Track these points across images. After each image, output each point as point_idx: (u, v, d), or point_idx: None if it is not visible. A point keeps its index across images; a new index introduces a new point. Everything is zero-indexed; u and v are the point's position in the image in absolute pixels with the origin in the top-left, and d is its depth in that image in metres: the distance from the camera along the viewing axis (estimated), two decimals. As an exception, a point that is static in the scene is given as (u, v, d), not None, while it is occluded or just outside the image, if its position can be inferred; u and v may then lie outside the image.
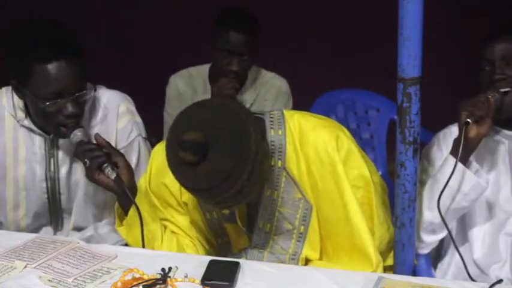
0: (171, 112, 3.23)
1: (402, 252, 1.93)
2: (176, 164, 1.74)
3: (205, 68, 3.27)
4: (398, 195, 1.90)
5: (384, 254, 1.99)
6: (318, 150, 1.92)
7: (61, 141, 2.28)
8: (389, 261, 2.00)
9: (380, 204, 2.00)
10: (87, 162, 2.06)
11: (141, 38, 4.46)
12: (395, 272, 1.94)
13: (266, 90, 3.24)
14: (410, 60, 1.82)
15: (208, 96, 3.03)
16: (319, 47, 4.30)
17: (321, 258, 2.01)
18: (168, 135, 1.79)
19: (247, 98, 3.17)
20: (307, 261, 2.02)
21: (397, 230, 1.93)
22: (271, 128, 1.94)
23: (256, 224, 2.00)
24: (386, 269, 1.98)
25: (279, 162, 1.94)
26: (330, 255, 2.00)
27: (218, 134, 1.68)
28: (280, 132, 1.94)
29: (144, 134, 2.41)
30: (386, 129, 3.19)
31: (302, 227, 1.98)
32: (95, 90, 2.26)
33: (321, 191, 1.94)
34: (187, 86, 3.24)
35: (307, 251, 1.99)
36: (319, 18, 4.28)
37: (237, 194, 1.72)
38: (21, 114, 2.27)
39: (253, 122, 1.76)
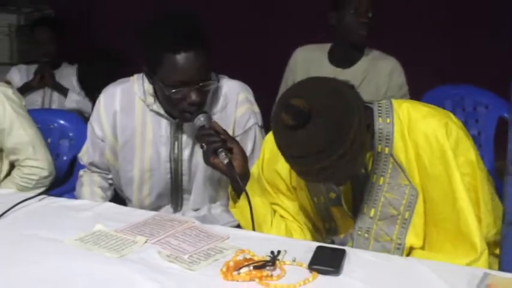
0: (284, 88, 3.24)
1: (510, 250, 1.77)
2: (277, 124, 1.71)
3: (327, 46, 3.27)
4: (508, 194, 1.74)
5: (490, 245, 1.84)
6: (427, 137, 1.82)
7: (185, 125, 2.25)
8: (498, 251, 1.84)
9: (487, 192, 1.86)
10: (204, 146, 2.05)
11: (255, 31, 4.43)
12: (501, 270, 1.77)
13: (378, 67, 3.18)
14: (526, 58, 1.66)
15: (321, 72, 2.97)
16: (432, 41, 4.12)
17: (423, 247, 1.88)
18: (279, 97, 1.75)
19: (359, 69, 3.15)
20: (410, 250, 1.89)
21: (505, 228, 1.76)
22: (379, 116, 1.86)
23: (361, 208, 1.90)
24: (494, 256, 1.83)
25: (386, 149, 1.85)
26: (433, 243, 1.86)
27: (324, 110, 1.63)
28: (388, 120, 1.85)
29: (260, 123, 2.36)
30: (495, 126, 2.97)
31: (407, 213, 1.86)
32: (218, 81, 2.23)
33: (430, 175, 1.82)
34: (305, 59, 3.26)
35: (410, 238, 1.87)
36: (436, 14, 4.11)
37: (321, 170, 1.67)
38: (150, 99, 2.26)
39: (361, 114, 1.69)
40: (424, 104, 1.95)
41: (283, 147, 1.73)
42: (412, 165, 1.84)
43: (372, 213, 1.89)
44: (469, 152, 1.84)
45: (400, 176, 1.85)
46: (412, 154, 1.84)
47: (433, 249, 1.87)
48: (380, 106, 1.88)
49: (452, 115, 1.91)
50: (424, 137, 1.82)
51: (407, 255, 1.88)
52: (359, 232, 1.92)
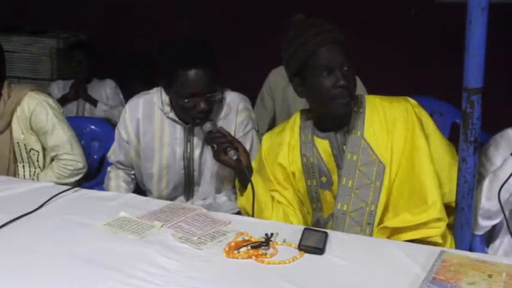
0: (260, 104, 3.12)
1: (461, 231, 1.77)
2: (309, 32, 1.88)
3: None
4: (459, 185, 1.74)
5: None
6: (396, 118, 1.91)
7: (196, 130, 2.23)
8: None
9: (446, 160, 1.91)
10: (215, 146, 2.02)
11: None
12: (455, 247, 1.77)
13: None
14: (474, 74, 1.66)
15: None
16: (397, 59, 4.12)
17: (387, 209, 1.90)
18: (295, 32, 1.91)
19: None
20: (379, 220, 1.90)
21: (458, 213, 1.76)
22: (355, 105, 1.93)
23: (341, 181, 1.92)
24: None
25: (358, 132, 1.92)
26: (394, 202, 1.89)
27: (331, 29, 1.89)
28: (361, 110, 1.93)
29: (256, 127, 2.35)
30: (449, 130, 2.98)
31: (378, 182, 1.88)
32: (222, 92, 2.22)
33: (402, 146, 1.89)
34: (283, 77, 3.05)
35: (381, 203, 1.88)
36: (395, 36, 4.09)
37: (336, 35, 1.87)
38: (167, 109, 2.24)
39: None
40: (392, 97, 2.01)
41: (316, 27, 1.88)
42: (381, 144, 1.89)
43: (349, 184, 1.91)
44: (428, 120, 1.96)
45: (369, 153, 1.89)
46: (382, 134, 1.89)
47: (394, 208, 1.89)
48: (356, 98, 1.95)
49: (410, 98, 1.98)
50: (394, 118, 1.90)
51: (378, 224, 1.89)
52: (338, 206, 1.92)
